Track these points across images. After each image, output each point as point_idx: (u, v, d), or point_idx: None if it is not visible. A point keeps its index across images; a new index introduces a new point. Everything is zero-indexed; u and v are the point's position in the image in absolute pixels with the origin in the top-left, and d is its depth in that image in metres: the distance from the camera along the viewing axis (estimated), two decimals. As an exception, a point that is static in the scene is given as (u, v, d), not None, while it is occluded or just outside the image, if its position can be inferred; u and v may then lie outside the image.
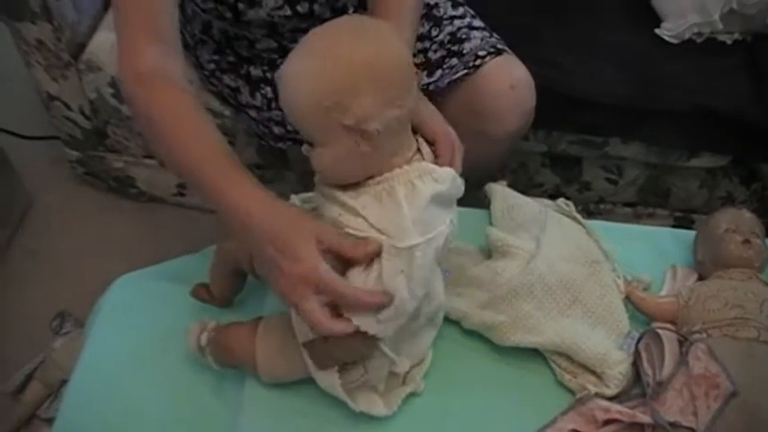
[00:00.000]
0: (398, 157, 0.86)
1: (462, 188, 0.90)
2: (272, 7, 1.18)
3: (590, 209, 1.78)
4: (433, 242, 0.83)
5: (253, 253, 0.89)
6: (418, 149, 0.89)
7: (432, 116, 0.97)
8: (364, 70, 0.81)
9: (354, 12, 1.26)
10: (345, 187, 0.87)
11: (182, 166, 0.92)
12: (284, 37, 1.25)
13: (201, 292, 1.05)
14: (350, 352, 0.87)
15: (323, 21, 1.23)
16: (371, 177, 0.86)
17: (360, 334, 0.83)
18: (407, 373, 0.96)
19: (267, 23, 1.22)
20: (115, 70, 1.00)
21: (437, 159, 0.91)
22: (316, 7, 1.21)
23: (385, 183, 0.85)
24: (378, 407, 0.93)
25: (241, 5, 1.17)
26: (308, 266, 0.80)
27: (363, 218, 0.84)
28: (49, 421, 1.42)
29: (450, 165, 0.91)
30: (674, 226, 1.57)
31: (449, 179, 0.87)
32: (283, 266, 0.81)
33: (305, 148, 0.88)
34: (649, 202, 1.77)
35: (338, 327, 0.81)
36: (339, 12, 1.25)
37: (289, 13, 1.19)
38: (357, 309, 0.82)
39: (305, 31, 1.23)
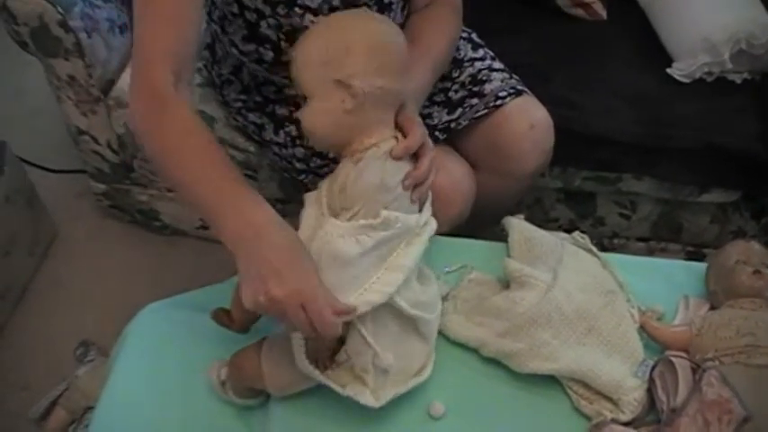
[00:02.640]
0: (375, 132, 0.95)
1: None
2: None
3: (604, 244, 1.80)
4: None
5: (244, 266, 0.89)
6: (395, 138, 0.97)
7: (413, 119, 1.01)
8: (360, 36, 0.94)
9: None
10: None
11: (186, 182, 0.95)
12: None
13: (221, 316, 1.05)
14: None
15: None
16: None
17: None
18: (397, 375, 0.97)
19: None
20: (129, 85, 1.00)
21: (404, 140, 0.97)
22: None
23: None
24: (365, 396, 0.95)
25: (284, 44, 1.18)
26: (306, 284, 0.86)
27: None
28: (74, 447, 1.45)
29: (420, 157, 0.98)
30: (686, 260, 1.58)
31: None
32: (282, 276, 0.85)
33: (299, 113, 0.98)
34: (662, 236, 1.78)
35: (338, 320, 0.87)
36: None
37: None
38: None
39: None
